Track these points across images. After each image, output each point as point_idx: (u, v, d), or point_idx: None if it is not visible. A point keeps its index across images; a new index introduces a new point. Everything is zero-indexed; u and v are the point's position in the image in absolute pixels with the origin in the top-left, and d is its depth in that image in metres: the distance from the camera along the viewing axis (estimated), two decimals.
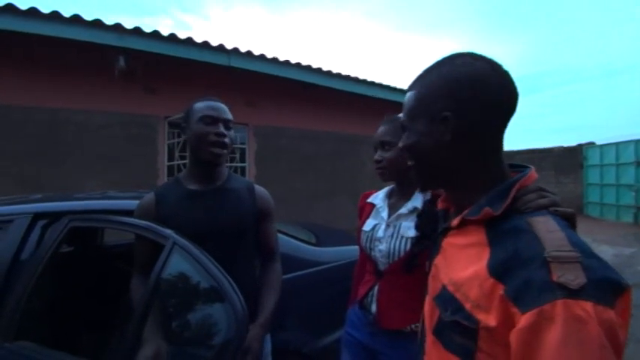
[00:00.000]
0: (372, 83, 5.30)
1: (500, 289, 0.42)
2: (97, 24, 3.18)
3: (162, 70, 3.80)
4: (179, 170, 3.86)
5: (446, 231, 0.57)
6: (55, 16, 3.02)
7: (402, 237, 0.95)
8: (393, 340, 0.96)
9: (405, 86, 5.67)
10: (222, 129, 0.99)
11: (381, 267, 0.99)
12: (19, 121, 3.19)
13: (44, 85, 3.29)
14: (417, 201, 0.97)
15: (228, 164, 4.16)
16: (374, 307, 0.99)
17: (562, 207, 0.49)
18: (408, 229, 0.94)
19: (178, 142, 3.94)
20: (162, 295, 0.92)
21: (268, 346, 1.08)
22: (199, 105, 1.01)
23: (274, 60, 4.28)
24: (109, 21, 3.27)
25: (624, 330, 0.38)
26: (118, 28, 3.28)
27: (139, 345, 0.85)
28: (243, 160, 4.52)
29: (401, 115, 0.61)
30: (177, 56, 3.60)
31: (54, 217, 1.17)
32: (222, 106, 1.03)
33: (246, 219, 1.04)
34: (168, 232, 0.93)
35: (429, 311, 0.57)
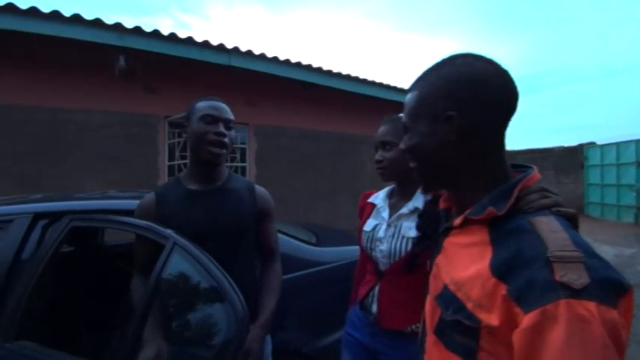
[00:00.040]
0: (373, 83, 5.29)
1: (503, 289, 0.42)
2: (97, 23, 3.18)
3: (163, 69, 3.80)
4: (180, 170, 3.86)
5: (448, 230, 0.57)
6: (56, 15, 3.02)
7: (403, 237, 0.94)
8: (393, 340, 0.96)
9: (405, 86, 5.67)
10: (222, 129, 0.99)
11: (382, 267, 0.99)
12: (19, 120, 3.19)
13: (44, 85, 3.29)
14: (418, 201, 0.97)
15: (229, 164, 4.16)
16: (374, 308, 0.99)
17: (564, 207, 0.49)
18: (409, 229, 0.94)
19: (179, 142, 3.94)
20: (162, 295, 0.92)
21: (269, 347, 1.08)
22: (201, 104, 1.01)
23: (275, 59, 4.27)
24: (109, 20, 3.28)
25: (626, 330, 0.38)
26: (118, 27, 3.28)
27: (139, 345, 0.85)
28: (243, 159, 4.52)
29: (402, 115, 0.61)
30: (178, 56, 3.60)
31: (54, 216, 1.17)
32: (224, 106, 1.03)
33: (246, 219, 1.04)
34: (169, 232, 0.93)
35: (430, 311, 0.57)
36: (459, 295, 0.48)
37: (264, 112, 4.58)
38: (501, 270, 0.43)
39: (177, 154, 3.97)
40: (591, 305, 0.36)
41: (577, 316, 0.35)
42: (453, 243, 0.55)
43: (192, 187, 1.03)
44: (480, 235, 0.49)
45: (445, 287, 0.52)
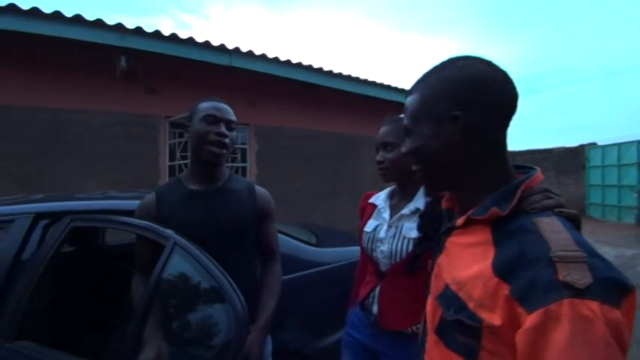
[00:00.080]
0: (373, 83, 5.29)
1: (505, 289, 0.42)
2: (99, 24, 3.19)
3: (164, 70, 3.81)
4: (180, 170, 3.87)
5: (450, 230, 0.57)
6: (57, 16, 3.03)
7: (404, 238, 0.94)
8: (394, 341, 0.96)
9: (405, 86, 5.67)
10: (223, 129, 1.00)
11: (383, 268, 0.99)
12: (21, 120, 3.20)
13: (45, 85, 3.30)
14: (419, 202, 0.97)
15: (229, 164, 4.16)
16: (375, 308, 0.99)
17: (567, 208, 0.49)
18: (410, 229, 0.94)
19: (179, 142, 3.94)
20: (162, 296, 0.92)
21: (269, 347, 1.08)
22: (203, 105, 1.02)
23: (275, 60, 4.28)
24: (110, 21, 3.28)
25: (629, 330, 0.38)
26: (119, 28, 3.28)
27: (139, 345, 0.85)
28: (244, 160, 4.52)
29: (402, 116, 0.61)
30: (179, 56, 3.61)
31: (55, 217, 1.17)
32: (226, 107, 1.04)
33: (246, 219, 1.04)
34: (169, 232, 0.93)
35: (432, 310, 0.57)
36: (461, 294, 0.48)
37: (264, 112, 4.58)
38: (504, 270, 0.43)
39: (177, 154, 3.97)
40: (594, 305, 0.36)
41: (580, 316, 0.36)
42: (455, 243, 0.55)
43: (193, 187, 1.03)
44: (483, 235, 0.49)
45: (446, 287, 0.52)
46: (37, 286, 1.03)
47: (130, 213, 1.06)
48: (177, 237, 0.91)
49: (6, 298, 1.02)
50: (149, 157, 3.79)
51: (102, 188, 3.13)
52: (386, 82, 5.44)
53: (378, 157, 1.02)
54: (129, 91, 3.67)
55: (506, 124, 0.53)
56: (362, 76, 5.13)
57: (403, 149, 0.60)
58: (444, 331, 0.52)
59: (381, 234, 1.00)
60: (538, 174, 0.52)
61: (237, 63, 3.98)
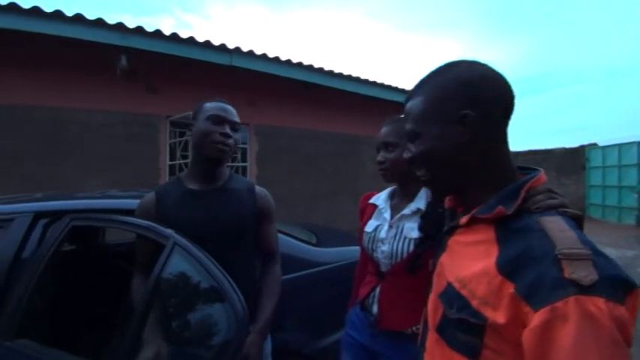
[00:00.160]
0: (374, 83, 5.29)
1: (510, 288, 0.42)
2: (100, 23, 3.19)
3: (164, 69, 3.81)
4: (181, 170, 3.87)
5: (453, 229, 0.57)
6: (58, 15, 3.03)
7: (405, 238, 0.94)
8: (393, 341, 0.96)
9: (406, 86, 5.66)
10: (228, 130, 1.01)
11: (383, 268, 0.98)
12: (21, 120, 3.20)
13: (46, 84, 3.30)
14: (420, 202, 0.97)
15: (229, 164, 4.16)
16: (375, 309, 0.99)
17: (570, 208, 0.49)
18: (411, 230, 0.94)
19: (180, 142, 3.95)
20: (162, 295, 0.92)
21: (268, 347, 1.08)
22: (209, 105, 1.03)
23: (276, 60, 4.28)
24: (111, 20, 3.28)
25: (633, 327, 0.38)
26: (120, 27, 3.28)
27: (139, 345, 0.85)
28: (244, 159, 4.52)
29: (403, 116, 0.61)
30: (179, 56, 3.61)
31: (55, 216, 1.17)
32: (231, 108, 1.05)
33: (246, 219, 1.04)
34: (169, 231, 0.93)
35: (433, 308, 0.57)
36: (464, 292, 0.48)
37: (265, 112, 4.58)
38: (508, 268, 0.43)
39: (178, 153, 3.97)
40: (600, 302, 0.36)
41: (587, 313, 0.36)
42: (458, 241, 0.55)
43: (193, 186, 1.03)
44: (486, 234, 0.49)
45: (449, 285, 0.52)
46: (37, 285, 1.03)
47: (130, 212, 1.06)
48: (177, 236, 0.91)
49: (6, 297, 1.02)
50: (149, 156, 3.79)
51: (102, 187, 3.13)
52: (386, 82, 5.44)
53: (379, 158, 1.02)
54: (129, 90, 3.67)
55: (508, 123, 0.54)
56: (362, 76, 5.13)
57: (407, 154, 0.59)
58: (445, 329, 0.52)
59: (382, 234, 1.00)
60: (541, 175, 0.53)
61: (237, 63, 3.98)
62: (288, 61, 4.38)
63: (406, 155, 0.59)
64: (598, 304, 0.36)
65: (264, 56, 4.17)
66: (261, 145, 4.58)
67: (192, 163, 1.06)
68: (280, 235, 1.30)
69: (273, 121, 4.68)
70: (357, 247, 1.16)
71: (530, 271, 0.41)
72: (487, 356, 0.44)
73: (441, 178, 0.57)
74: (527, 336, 0.39)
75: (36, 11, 2.94)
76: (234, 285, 0.83)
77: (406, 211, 0.97)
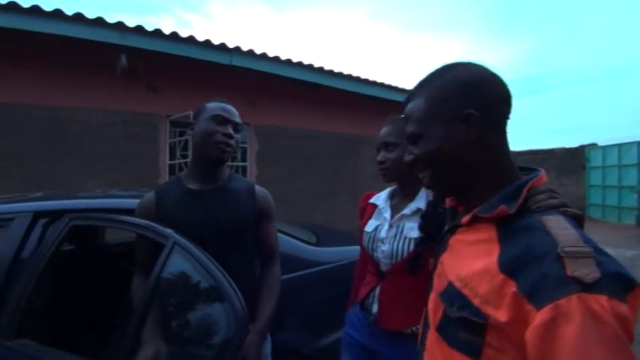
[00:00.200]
0: (374, 83, 5.29)
1: (512, 286, 0.42)
2: (100, 22, 3.19)
3: (165, 68, 3.80)
4: (180, 169, 3.87)
5: (454, 229, 0.58)
6: (58, 14, 3.03)
7: (406, 238, 0.94)
8: (393, 341, 0.96)
9: (407, 86, 5.66)
10: (230, 130, 1.01)
11: (383, 268, 0.98)
12: (21, 119, 3.20)
13: (46, 83, 3.30)
14: (421, 202, 0.97)
15: (229, 164, 4.16)
16: (375, 308, 0.99)
17: (571, 208, 0.49)
18: (412, 229, 0.94)
19: (180, 141, 3.94)
20: (162, 295, 0.92)
21: (268, 347, 1.07)
22: (212, 105, 1.03)
23: (276, 59, 4.28)
24: (111, 19, 3.28)
25: (634, 325, 0.38)
26: (120, 26, 3.28)
27: (138, 344, 0.85)
28: (244, 159, 4.52)
29: (403, 116, 0.61)
30: (180, 55, 3.61)
31: (55, 215, 1.17)
32: (234, 109, 1.05)
33: (245, 219, 1.04)
34: (169, 231, 0.93)
35: (434, 308, 0.57)
36: (465, 291, 0.48)
37: (265, 111, 4.58)
38: (509, 266, 0.43)
39: (178, 153, 3.97)
40: (603, 299, 0.36)
41: (590, 310, 0.36)
42: (460, 240, 0.56)
43: (193, 186, 1.03)
44: (488, 233, 0.50)
45: (450, 284, 0.52)
46: (37, 285, 1.03)
47: (129, 212, 1.06)
48: (177, 236, 0.91)
49: (6, 297, 1.02)
50: (149, 156, 3.79)
51: (102, 187, 3.13)
52: (387, 82, 5.44)
53: (380, 158, 1.02)
54: (129, 89, 3.67)
55: (507, 123, 0.55)
56: (363, 76, 5.13)
57: (409, 157, 0.58)
58: (446, 328, 0.52)
59: (382, 234, 0.99)
60: (542, 175, 0.53)
61: (237, 62, 3.98)
62: (289, 61, 4.38)
63: (408, 158, 0.59)
64: (601, 302, 0.36)
65: (264, 56, 4.17)
66: (261, 145, 4.58)
67: (192, 163, 1.06)
68: (280, 235, 1.30)
69: (274, 121, 4.68)
70: (357, 247, 1.16)
71: (533, 270, 0.41)
72: (488, 354, 0.44)
73: (445, 179, 0.56)
74: (530, 334, 0.39)
75: (36, 10, 2.94)
76: (234, 285, 0.83)
77: (406, 210, 0.97)
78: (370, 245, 1.02)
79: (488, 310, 0.44)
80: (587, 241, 0.42)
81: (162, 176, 3.85)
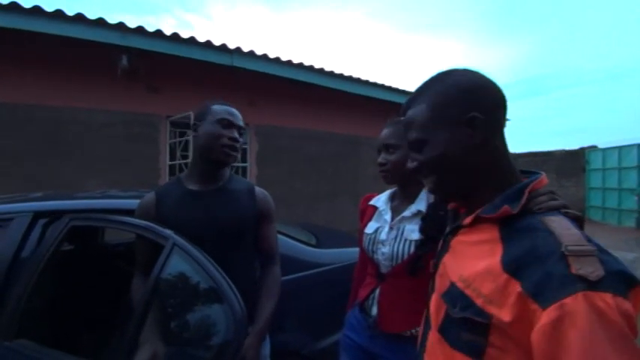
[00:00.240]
0: (375, 84, 5.30)
1: (516, 286, 0.42)
2: (100, 23, 3.19)
3: (165, 69, 3.81)
4: (180, 170, 3.87)
5: (456, 230, 0.58)
6: (59, 14, 3.03)
7: (406, 240, 0.94)
8: (392, 343, 0.95)
9: (407, 87, 5.66)
10: (236, 134, 1.03)
11: (384, 270, 0.98)
12: (22, 119, 3.20)
13: (47, 84, 3.30)
14: (421, 204, 0.96)
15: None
16: (374, 310, 0.98)
17: (572, 209, 0.50)
18: (412, 232, 0.93)
19: (180, 142, 3.95)
20: (161, 296, 0.92)
21: (267, 348, 1.07)
22: (218, 107, 1.03)
23: (277, 60, 4.28)
24: (112, 20, 3.29)
25: (637, 323, 0.38)
26: (121, 27, 3.29)
27: (137, 345, 0.84)
28: (244, 160, 4.52)
29: (402, 119, 0.61)
30: (180, 56, 3.61)
31: (54, 215, 1.17)
32: (238, 113, 1.06)
33: (245, 220, 1.04)
34: (168, 232, 0.92)
35: (435, 309, 0.57)
36: (468, 291, 0.48)
37: (265, 112, 4.58)
38: (513, 266, 0.44)
39: (178, 153, 3.97)
40: (608, 297, 0.37)
41: (595, 308, 0.36)
42: (462, 241, 0.56)
43: (193, 187, 1.03)
44: (490, 234, 0.50)
45: (452, 285, 0.52)
46: (36, 285, 1.03)
47: (129, 212, 1.06)
48: (177, 237, 0.91)
49: (5, 297, 1.02)
50: (150, 156, 3.79)
51: (102, 187, 3.13)
52: (387, 83, 5.45)
53: (380, 159, 1.01)
54: (130, 90, 3.67)
55: (505, 126, 0.56)
56: (363, 77, 5.14)
57: (413, 164, 0.58)
58: (448, 329, 0.52)
59: (383, 236, 0.99)
60: (543, 177, 0.53)
61: (238, 63, 3.98)
62: (289, 62, 4.38)
63: (412, 165, 0.59)
64: (606, 300, 0.36)
65: (264, 57, 4.17)
66: (261, 145, 4.58)
67: (192, 164, 1.06)
68: (279, 236, 1.30)
69: (274, 121, 4.68)
70: (357, 249, 1.16)
71: (537, 269, 0.41)
72: (491, 354, 0.45)
73: (450, 183, 0.57)
74: (536, 334, 0.39)
75: (37, 11, 2.94)
76: (233, 286, 0.83)
77: (407, 212, 0.97)
78: (370, 247, 1.02)
79: (492, 310, 0.44)
80: (589, 240, 0.42)
81: (163, 177, 3.86)
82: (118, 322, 1.41)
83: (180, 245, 0.89)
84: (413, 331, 0.92)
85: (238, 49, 3.96)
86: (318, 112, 5.12)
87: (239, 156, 1.10)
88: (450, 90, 0.54)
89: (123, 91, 3.63)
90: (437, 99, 0.54)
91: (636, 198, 7.17)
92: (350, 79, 4.98)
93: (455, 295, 0.50)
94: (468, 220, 0.54)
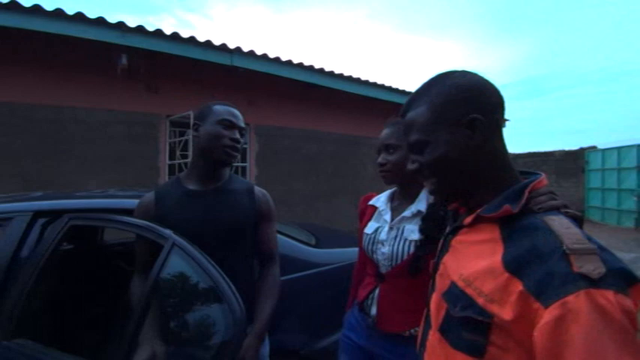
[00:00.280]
0: (374, 84, 5.30)
1: (518, 285, 0.42)
2: (100, 22, 3.19)
3: (165, 68, 3.81)
4: (180, 169, 3.87)
5: (456, 230, 0.58)
6: (59, 13, 3.03)
7: (406, 240, 0.94)
8: (391, 343, 0.95)
9: (407, 88, 5.66)
10: (237, 135, 1.03)
11: (383, 270, 0.98)
12: (22, 118, 3.19)
13: (46, 83, 3.30)
14: (421, 204, 0.96)
15: None
16: (374, 310, 0.98)
17: (571, 209, 0.50)
18: (412, 232, 0.93)
19: (180, 141, 3.94)
20: (160, 296, 0.92)
21: (266, 348, 1.07)
22: (219, 108, 1.03)
23: (276, 60, 4.28)
24: (112, 19, 3.28)
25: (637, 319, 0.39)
26: (120, 26, 3.28)
27: (136, 345, 0.84)
28: (244, 159, 4.52)
29: (400, 119, 0.61)
30: (180, 55, 3.61)
31: (54, 215, 1.17)
32: (239, 113, 1.07)
33: (244, 220, 1.04)
34: (168, 232, 0.92)
35: (436, 308, 0.57)
36: (469, 291, 0.48)
37: (265, 112, 4.58)
38: (514, 265, 0.44)
39: (177, 153, 3.97)
40: (610, 294, 0.37)
41: (598, 306, 0.37)
42: (462, 241, 0.56)
43: (192, 187, 1.03)
44: (491, 233, 0.50)
45: (453, 284, 0.52)
46: (35, 285, 1.03)
47: (129, 212, 1.06)
48: (176, 237, 0.91)
49: (4, 296, 1.01)
50: (149, 155, 3.79)
51: (102, 186, 3.13)
52: (387, 84, 5.44)
53: (380, 160, 1.01)
54: (130, 89, 3.67)
55: (503, 127, 0.56)
56: (363, 77, 5.13)
57: (414, 165, 0.58)
58: (448, 329, 0.52)
59: (382, 236, 0.99)
60: (543, 178, 0.54)
61: (238, 62, 3.98)
62: (289, 62, 4.38)
63: (412, 166, 0.59)
64: (608, 297, 0.37)
65: (264, 56, 4.17)
66: (261, 145, 4.58)
67: (192, 164, 1.06)
68: (279, 236, 1.30)
69: (273, 122, 4.68)
70: (356, 249, 1.16)
71: (539, 268, 0.41)
72: (492, 353, 0.45)
73: (451, 184, 0.57)
74: (538, 332, 0.39)
75: (37, 9, 2.94)
76: (232, 286, 0.83)
77: (407, 213, 0.97)
78: (370, 247, 1.02)
79: (493, 309, 0.44)
80: (590, 238, 0.42)
81: (162, 176, 3.85)
82: (117, 321, 1.41)
83: (180, 245, 0.89)
84: (412, 331, 0.92)
85: (238, 49, 3.96)
86: (318, 112, 5.12)
87: (239, 156, 1.10)
88: (450, 91, 0.54)
89: (122, 91, 3.63)
90: (437, 101, 0.55)
91: (635, 198, 7.18)
92: (350, 79, 4.98)
93: (455, 295, 0.51)
94: (468, 219, 0.55)
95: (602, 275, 0.38)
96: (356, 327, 1.05)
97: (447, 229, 0.62)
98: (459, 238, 0.57)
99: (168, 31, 3.55)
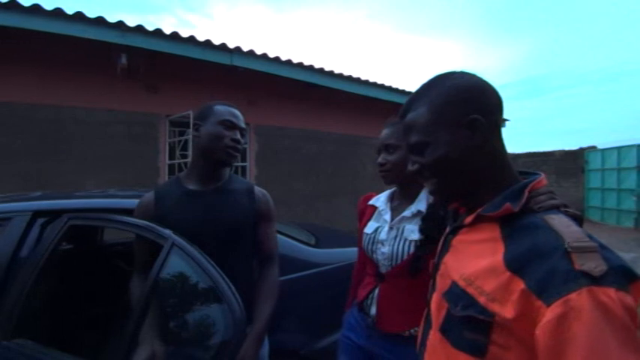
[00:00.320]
0: (374, 84, 5.29)
1: (520, 284, 0.42)
2: (100, 21, 3.19)
3: (165, 68, 3.80)
4: (180, 169, 3.87)
5: (456, 229, 0.58)
6: (58, 13, 3.02)
7: (406, 240, 0.94)
8: (391, 343, 0.95)
9: (407, 88, 5.66)
10: (238, 136, 1.03)
11: (383, 270, 0.98)
12: (21, 118, 3.19)
13: (46, 82, 3.30)
14: (421, 204, 0.96)
15: None
16: (373, 310, 0.98)
17: (571, 208, 0.51)
18: (412, 232, 0.93)
19: (179, 141, 3.94)
20: (160, 295, 0.92)
21: (265, 348, 1.07)
22: (220, 108, 1.03)
23: (276, 59, 4.28)
24: (111, 18, 3.28)
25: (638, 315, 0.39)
26: (120, 25, 3.28)
27: (136, 345, 0.84)
28: (243, 159, 4.52)
29: (400, 120, 0.61)
30: (180, 55, 3.60)
31: (53, 215, 1.17)
32: (240, 114, 1.07)
33: (244, 220, 1.04)
34: (168, 232, 0.92)
35: (436, 308, 0.57)
36: (470, 290, 0.48)
37: (265, 112, 4.58)
38: (515, 264, 0.44)
39: (177, 153, 3.97)
40: (611, 292, 0.37)
41: (600, 303, 0.37)
42: (462, 241, 0.56)
43: (192, 187, 1.03)
44: (491, 232, 0.50)
45: (454, 283, 0.52)
46: (35, 284, 1.03)
47: (128, 212, 1.06)
48: (176, 237, 0.91)
49: (4, 296, 1.01)
50: (149, 155, 3.79)
51: (101, 186, 3.13)
52: (387, 84, 5.44)
53: (380, 160, 1.01)
54: (129, 89, 3.67)
55: (502, 127, 0.57)
56: (363, 77, 5.13)
57: (414, 167, 0.58)
58: (449, 328, 0.52)
59: (382, 235, 0.99)
60: (542, 178, 0.54)
61: (238, 62, 3.98)
62: (289, 62, 4.38)
63: (413, 167, 0.59)
64: (609, 294, 0.37)
65: (264, 56, 4.17)
66: (261, 145, 4.58)
67: (192, 163, 1.06)
68: (279, 236, 1.29)
69: (273, 121, 4.68)
70: (356, 249, 1.15)
71: (540, 266, 0.41)
72: (494, 352, 0.45)
73: (451, 184, 0.57)
74: (540, 331, 0.39)
75: (36, 9, 2.94)
76: (232, 286, 0.83)
77: (407, 212, 0.97)
78: (370, 247, 1.02)
79: (495, 308, 0.44)
80: (590, 237, 0.43)
81: (162, 176, 3.85)
82: (116, 321, 1.41)
83: (180, 245, 0.89)
84: (412, 330, 0.92)
85: (238, 49, 3.96)
86: (318, 112, 5.12)
87: (239, 156, 1.10)
88: (450, 92, 0.54)
89: (122, 90, 3.63)
90: (437, 101, 0.55)
91: (635, 198, 7.18)
92: (350, 79, 4.98)
93: (456, 294, 0.51)
94: (468, 219, 0.55)
95: (603, 273, 0.38)
96: (356, 327, 1.05)
97: (447, 229, 0.62)
98: (460, 237, 0.57)
99: (168, 31, 3.55)
